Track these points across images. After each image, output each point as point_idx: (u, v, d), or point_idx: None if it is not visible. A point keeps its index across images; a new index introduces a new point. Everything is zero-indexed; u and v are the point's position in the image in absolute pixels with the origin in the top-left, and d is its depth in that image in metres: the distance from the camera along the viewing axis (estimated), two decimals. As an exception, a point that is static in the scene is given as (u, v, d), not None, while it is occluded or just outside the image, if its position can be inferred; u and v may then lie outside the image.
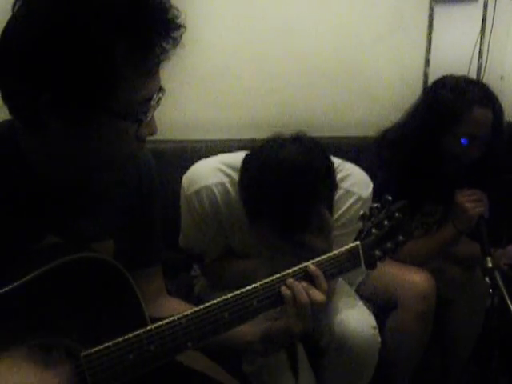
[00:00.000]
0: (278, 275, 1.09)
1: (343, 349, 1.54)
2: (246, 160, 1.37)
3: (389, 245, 1.19)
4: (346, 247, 1.14)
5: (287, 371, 1.53)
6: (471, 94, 1.81)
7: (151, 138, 1.02)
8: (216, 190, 1.50)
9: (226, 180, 1.51)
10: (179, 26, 0.87)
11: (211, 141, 2.11)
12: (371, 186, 1.55)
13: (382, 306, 1.74)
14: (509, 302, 1.53)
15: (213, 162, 1.57)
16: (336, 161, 1.50)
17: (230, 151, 2.04)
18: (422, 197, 1.91)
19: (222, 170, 1.52)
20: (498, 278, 1.57)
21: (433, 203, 2.01)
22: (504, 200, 1.98)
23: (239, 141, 2.14)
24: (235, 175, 1.47)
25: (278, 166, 1.25)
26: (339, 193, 1.48)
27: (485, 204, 1.82)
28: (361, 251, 1.15)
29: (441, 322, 1.93)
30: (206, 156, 2.01)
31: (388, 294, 1.80)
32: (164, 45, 0.86)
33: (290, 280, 1.09)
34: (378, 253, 1.17)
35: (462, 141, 1.82)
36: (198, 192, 1.51)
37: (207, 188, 1.50)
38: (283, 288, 1.08)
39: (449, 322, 1.97)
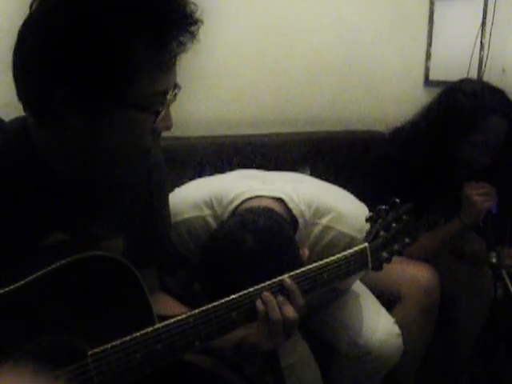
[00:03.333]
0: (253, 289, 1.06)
1: (367, 357, 1.57)
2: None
3: (395, 247, 1.19)
4: (356, 249, 1.14)
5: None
6: (489, 102, 1.80)
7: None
8: (196, 224, 1.49)
9: (207, 213, 1.48)
10: (197, 21, 0.87)
11: (212, 137, 2.09)
12: (358, 220, 1.44)
13: (385, 299, 1.74)
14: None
15: (196, 191, 1.55)
16: (317, 200, 1.48)
17: (230, 147, 2.05)
18: (430, 197, 1.91)
19: (205, 202, 1.50)
20: (504, 273, 1.59)
21: (440, 203, 2.01)
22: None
23: (241, 137, 2.13)
24: (218, 208, 1.46)
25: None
26: (317, 229, 1.46)
27: (494, 198, 1.82)
28: (369, 253, 1.16)
29: (446, 317, 1.93)
30: (208, 152, 2.01)
31: (391, 288, 1.80)
32: (181, 39, 0.86)
33: (266, 294, 1.06)
34: (384, 255, 1.18)
35: (475, 147, 1.82)
36: (175, 224, 1.49)
37: (186, 222, 1.49)
38: (258, 302, 1.05)
39: (454, 317, 1.98)
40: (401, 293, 1.78)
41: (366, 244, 1.15)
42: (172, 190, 1.63)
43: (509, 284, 1.60)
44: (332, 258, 1.11)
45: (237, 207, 1.43)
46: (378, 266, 1.18)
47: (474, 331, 1.99)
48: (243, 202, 1.43)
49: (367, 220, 1.16)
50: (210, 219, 1.48)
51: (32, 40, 0.85)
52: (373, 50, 2.42)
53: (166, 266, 1.57)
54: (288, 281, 1.07)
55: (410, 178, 1.81)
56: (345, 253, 1.13)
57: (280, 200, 1.43)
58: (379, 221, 1.17)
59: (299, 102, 2.31)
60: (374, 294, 1.75)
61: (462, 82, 1.92)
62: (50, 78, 0.84)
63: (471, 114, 1.79)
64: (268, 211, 1.33)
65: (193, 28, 0.87)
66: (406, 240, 1.20)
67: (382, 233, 1.17)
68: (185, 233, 1.51)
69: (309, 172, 2.06)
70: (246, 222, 1.26)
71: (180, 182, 1.68)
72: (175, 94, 0.93)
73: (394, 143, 1.97)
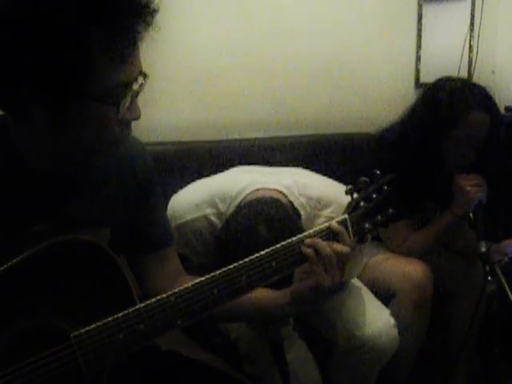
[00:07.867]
0: (296, 238, 1.09)
1: (364, 348, 1.56)
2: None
3: (379, 217, 1.17)
4: (336, 220, 1.14)
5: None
6: (469, 98, 1.82)
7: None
8: (200, 224, 1.51)
9: (210, 211, 1.51)
10: (153, 11, 0.89)
11: (207, 142, 2.12)
12: None
13: (380, 296, 1.75)
14: (508, 291, 1.54)
15: (196, 193, 1.58)
16: (317, 192, 1.52)
17: (224, 152, 2.08)
18: (421, 197, 1.91)
19: (207, 201, 1.52)
20: (497, 268, 1.58)
21: (431, 201, 2.01)
22: (501, 191, 1.96)
23: (234, 141, 2.16)
24: (221, 205, 1.49)
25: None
26: (320, 220, 1.49)
27: (484, 189, 1.81)
28: (349, 224, 1.14)
29: (443, 314, 1.93)
30: (203, 157, 2.04)
31: (386, 285, 1.82)
32: (138, 28, 0.88)
33: (308, 240, 1.09)
34: (367, 226, 1.16)
35: (458, 143, 1.83)
36: (179, 227, 1.53)
37: (189, 223, 1.52)
38: (303, 247, 1.08)
39: (450, 313, 1.98)
40: (395, 289, 1.79)
41: (346, 216, 1.14)
42: (170, 194, 1.66)
43: (502, 279, 1.57)
44: (310, 231, 1.11)
45: (241, 201, 1.45)
46: (362, 238, 1.16)
47: (467, 325, 1.96)
48: (247, 195, 1.46)
49: (347, 192, 1.15)
50: (213, 218, 1.50)
51: None
52: (364, 53, 2.45)
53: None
54: (335, 224, 1.11)
55: (402, 178, 1.81)
56: (327, 224, 1.12)
57: (281, 193, 1.46)
58: (359, 192, 1.16)
59: (291, 106, 2.34)
60: (369, 290, 1.76)
61: (443, 79, 1.93)
62: (11, 73, 0.86)
63: (453, 111, 1.80)
64: (275, 201, 1.36)
65: (149, 18, 0.88)
66: (390, 211, 1.18)
67: (362, 204, 1.16)
68: (190, 234, 1.53)
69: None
70: (257, 213, 1.30)
71: (177, 186, 1.72)
72: (141, 84, 0.93)
73: (382, 145, 1.97)
